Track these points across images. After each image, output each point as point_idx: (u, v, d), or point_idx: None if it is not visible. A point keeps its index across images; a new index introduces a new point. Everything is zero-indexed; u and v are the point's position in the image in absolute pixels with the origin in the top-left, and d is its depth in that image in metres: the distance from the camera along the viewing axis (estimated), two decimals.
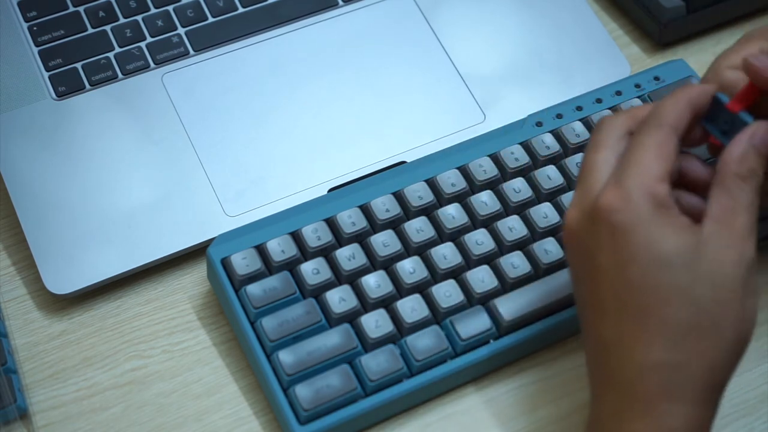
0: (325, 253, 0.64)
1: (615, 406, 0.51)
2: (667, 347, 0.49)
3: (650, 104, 0.56)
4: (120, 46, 0.74)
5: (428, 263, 0.64)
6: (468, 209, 0.66)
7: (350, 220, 0.65)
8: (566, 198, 0.66)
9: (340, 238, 0.65)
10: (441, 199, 0.67)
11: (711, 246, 0.50)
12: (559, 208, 0.66)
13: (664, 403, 0.49)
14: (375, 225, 0.65)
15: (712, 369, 0.50)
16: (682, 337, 0.49)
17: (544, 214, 0.66)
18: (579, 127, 0.69)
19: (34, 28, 0.74)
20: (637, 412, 0.50)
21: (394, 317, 0.62)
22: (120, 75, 0.73)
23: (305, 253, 0.64)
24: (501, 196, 0.67)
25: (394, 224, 0.66)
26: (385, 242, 0.64)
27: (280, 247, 0.64)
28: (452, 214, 0.66)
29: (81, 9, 0.75)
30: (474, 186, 0.67)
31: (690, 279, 0.49)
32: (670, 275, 0.49)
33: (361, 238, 0.65)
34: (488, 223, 0.66)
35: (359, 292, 0.63)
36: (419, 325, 0.62)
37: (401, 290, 0.63)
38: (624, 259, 0.50)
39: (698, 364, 0.49)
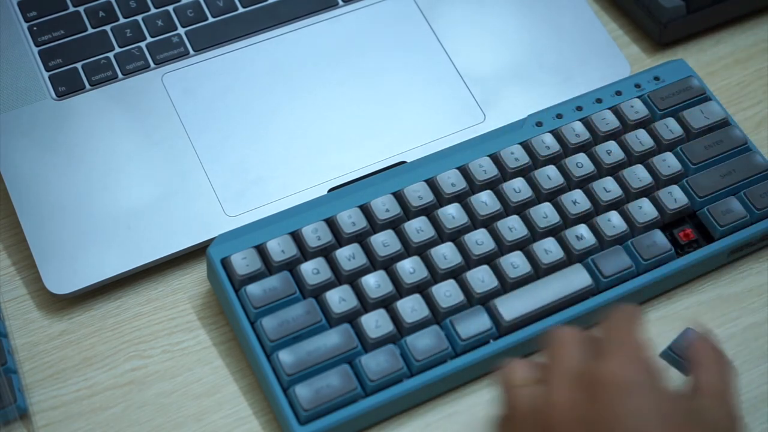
0: (325, 253, 0.64)
1: None
2: None
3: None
4: (120, 46, 0.74)
5: (428, 263, 0.64)
6: (468, 209, 0.66)
7: (350, 220, 0.65)
8: (566, 198, 0.66)
9: (340, 238, 0.65)
10: (441, 199, 0.67)
11: (710, 411, 0.52)
12: (559, 208, 0.66)
13: None
14: (375, 225, 0.65)
15: None
16: None
17: (544, 214, 0.66)
18: (579, 127, 0.69)
19: (34, 28, 0.74)
20: None
21: (394, 317, 0.62)
22: (120, 75, 0.73)
23: (305, 253, 0.64)
24: (501, 196, 0.67)
25: (394, 224, 0.66)
26: (385, 242, 0.64)
27: (280, 247, 0.64)
28: (452, 214, 0.66)
29: (81, 9, 0.75)
30: (474, 186, 0.67)
31: (695, 422, 0.51)
32: (684, 416, 0.51)
33: (361, 238, 0.65)
34: (488, 223, 0.66)
35: (359, 292, 0.63)
36: (419, 325, 0.62)
37: (401, 290, 0.63)
38: (634, 408, 0.51)
39: None
